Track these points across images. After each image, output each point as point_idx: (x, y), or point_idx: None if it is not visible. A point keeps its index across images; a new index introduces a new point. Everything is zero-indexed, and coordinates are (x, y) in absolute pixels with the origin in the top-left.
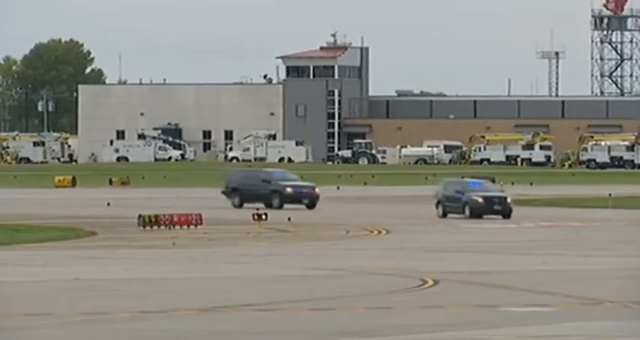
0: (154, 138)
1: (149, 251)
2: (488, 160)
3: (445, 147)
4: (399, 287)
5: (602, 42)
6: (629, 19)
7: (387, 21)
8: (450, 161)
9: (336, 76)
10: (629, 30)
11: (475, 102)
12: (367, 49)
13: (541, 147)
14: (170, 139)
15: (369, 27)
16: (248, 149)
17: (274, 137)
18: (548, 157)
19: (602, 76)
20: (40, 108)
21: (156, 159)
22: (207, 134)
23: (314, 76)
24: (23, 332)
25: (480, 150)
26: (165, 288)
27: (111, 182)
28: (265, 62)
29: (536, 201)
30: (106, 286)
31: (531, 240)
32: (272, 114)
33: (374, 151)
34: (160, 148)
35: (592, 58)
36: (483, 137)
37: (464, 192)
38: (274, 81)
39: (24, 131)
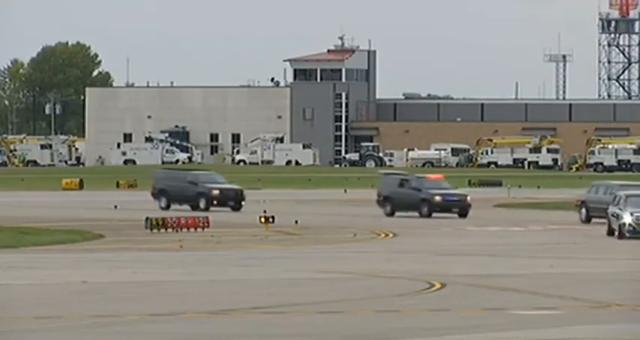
0: (161, 141)
1: (157, 254)
2: (495, 163)
3: (452, 150)
4: (406, 291)
5: (609, 45)
6: (637, 22)
7: (394, 24)
8: (457, 164)
9: (344, 79)
10: (637, 33)
11: (482, 105)
12: (374, 52)
13: (548, 151)
14: (177, 142)
15: (377, 30)
16: (255, 152)
17: (281, 140)
18: (555, 160)
19: (609, 79)
20: (47, 111)
21: (163, 162)
22: (214, 137)
23: (321, 79)
24: (35, 334)
25: (487, 153)
26: (174, 291)
27: (118, 185)
28: (273, 65)
29: (543, 204)
30: (115, 289)
31: (539, 243)
32: (279, 117)
33: (381, 154)
34: (167, 151)
35: (599, 61)
36: (490, 140)
37: None
38: (282, 84)
39: (31, 134)
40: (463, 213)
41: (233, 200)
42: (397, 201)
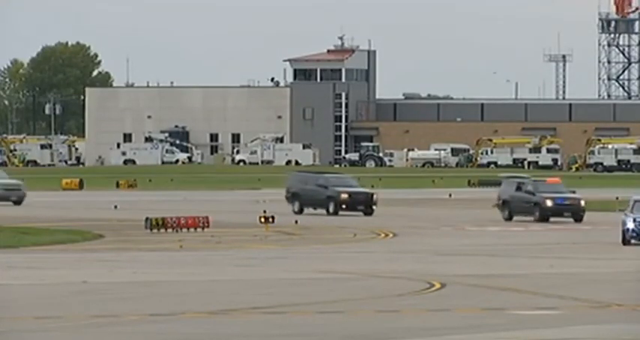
0: (161, 141)
1: (156, 253)
2: (495, 163)
3: (452, 150)
4: (406, 291)
5: (609, 45)
6: (637, 22)
7: (394, 24)
8: (457, 164)
9: (344, 79)
10: (637, 33)
11: (482, 105)
12: (374, 52)
13: (548, 151)
14: (177, 142)
15: (377, 30)
16: (255, 152)
17: (281, 140)
18: (555, 160)
19: (609, 79)
20: (47, 111)
21: (163, 162)
22: (214, 137)
23: (321, 79)
24: (34, 334)
25: (487, 153)
26: (173, 291)
27: (118, 185)
28: (273, 65)
29: None
30: (115, 289)
31: (539, 243)
32: (279, 117)
33: (381, 154)
34: (167, 151)
35: (599, 61)
36: (490, 140)
37: None
38: (282, 84)
39: (31, 134)
40: (577, 218)
41: (363, 204)
42: (513, 205)
